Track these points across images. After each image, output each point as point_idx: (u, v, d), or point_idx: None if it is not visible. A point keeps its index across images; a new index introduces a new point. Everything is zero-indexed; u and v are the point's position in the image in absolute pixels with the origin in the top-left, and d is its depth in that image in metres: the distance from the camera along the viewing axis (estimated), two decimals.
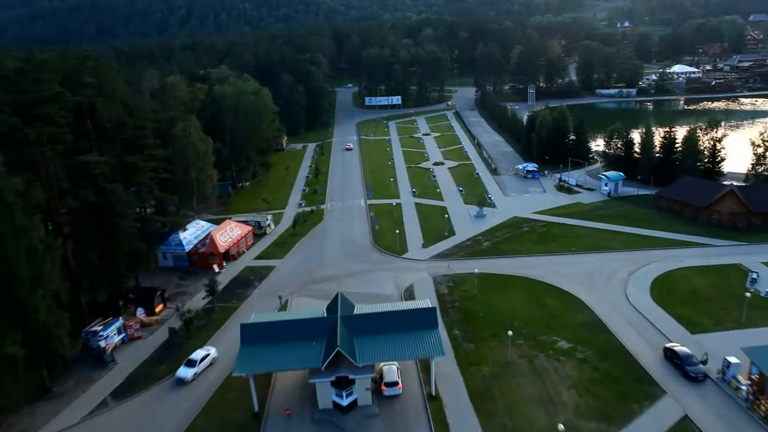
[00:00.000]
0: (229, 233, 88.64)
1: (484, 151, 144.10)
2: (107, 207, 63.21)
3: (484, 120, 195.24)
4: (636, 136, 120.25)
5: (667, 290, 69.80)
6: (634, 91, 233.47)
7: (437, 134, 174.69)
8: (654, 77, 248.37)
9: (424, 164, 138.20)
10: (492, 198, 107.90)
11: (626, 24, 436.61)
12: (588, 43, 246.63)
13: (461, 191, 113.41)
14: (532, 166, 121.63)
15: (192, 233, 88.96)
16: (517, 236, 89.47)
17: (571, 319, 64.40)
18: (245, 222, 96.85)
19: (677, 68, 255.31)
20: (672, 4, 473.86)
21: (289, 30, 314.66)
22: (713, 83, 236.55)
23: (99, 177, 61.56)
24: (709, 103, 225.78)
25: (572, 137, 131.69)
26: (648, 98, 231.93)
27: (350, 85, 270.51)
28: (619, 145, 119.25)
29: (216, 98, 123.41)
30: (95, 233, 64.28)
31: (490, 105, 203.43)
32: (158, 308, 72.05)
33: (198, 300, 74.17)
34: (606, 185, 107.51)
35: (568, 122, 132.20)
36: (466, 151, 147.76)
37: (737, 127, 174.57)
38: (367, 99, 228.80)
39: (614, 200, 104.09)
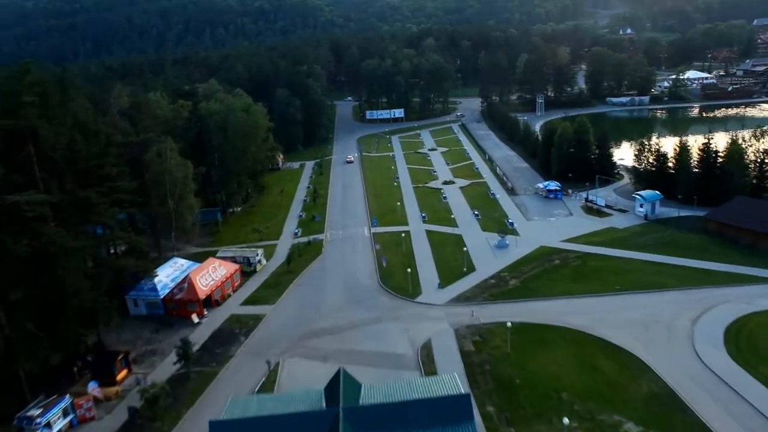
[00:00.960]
0: (211, 274, 74.90)
1: (498, 168, 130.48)
2: (47, 258, 49.60)
3: (493, 133, 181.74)
4: (668, 148, 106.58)
5: (746, 344, 55.84)
6: (646, 98, 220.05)
7: (444, 149, 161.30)
8: (666, 84, 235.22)
9: (432, 183, 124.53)
10: (513, 224, 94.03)
11: (628, 31, 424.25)
12: (598, 49, 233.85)
13: (477, 215, 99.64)
14: (553, 185, 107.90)
15: (169, 275, 75.31)
16: (548, 272, 75.60)
17: (635, 388, 50.42)
18: (232, 258, 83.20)
19: (690, 74, 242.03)
20: (673, 10, 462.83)
21: (287, 43, 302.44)
22: (730, 89, 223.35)
23: (34, 221, 48.00)
24: (727, 109, 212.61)
25: (595, 151, 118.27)
26: (662, 106, 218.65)
27: (350, 98, 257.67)
28: (650, 160, 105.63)
29: (202, 116, 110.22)
30: (34, 291, 50.58)
31: (499, 116, 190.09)
32: (121, 375, 58.24)
33: (170, 363, 60.32)
34: (641, 206, 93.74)
35: (589, 134, 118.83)
36: (477, 168, 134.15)
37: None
38: (368, 113, 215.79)
39: (653, 224, 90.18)
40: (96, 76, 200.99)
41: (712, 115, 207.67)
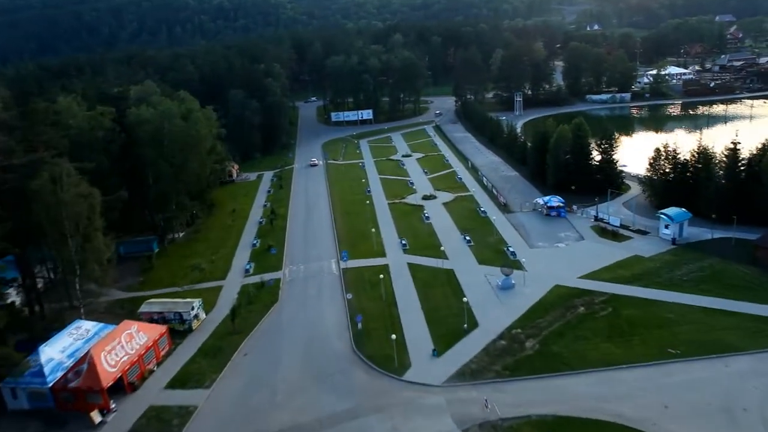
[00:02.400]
0: (124, 346, 54.12)
1: (484, 178, 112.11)
2: None
3: (471, 135, 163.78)
4: (684, 151, 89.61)
5: None
6: (628, 95, 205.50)
7: (420, 155, 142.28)
8: (646, 80, 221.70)
9: (410, 198, 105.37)
10: (514, 252, 75.53)
11: (596, 27, 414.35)
12: (575, 44, 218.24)
13: (469, 242, 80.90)
14: (555, 201, 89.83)
15: (65, 348, 54.29)
16: (572, 326, 57.18)
17: None
18: (160, 315, 62.54)
19: (671, 70, 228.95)
20: (639, 6, 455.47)
21: (246, 41, 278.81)
22: (712, 84, 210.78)
23: None
24: (709, 106, 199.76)
25: (597, 157, 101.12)
26: (643, 103, 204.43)
27: (314, 98, 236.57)
28: (666, 168, 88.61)
29: (130, 125, 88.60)
30: None
31: (477, 117, 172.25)
32: None
33: None
34: (667, 227, 76.56)
35: (588, 138, 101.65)
36: (460, 178, 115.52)
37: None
38: (333, 114, 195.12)
39: (684, 250, 72.90)
40: (25, 78, 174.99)
41: (695, 112, 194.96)
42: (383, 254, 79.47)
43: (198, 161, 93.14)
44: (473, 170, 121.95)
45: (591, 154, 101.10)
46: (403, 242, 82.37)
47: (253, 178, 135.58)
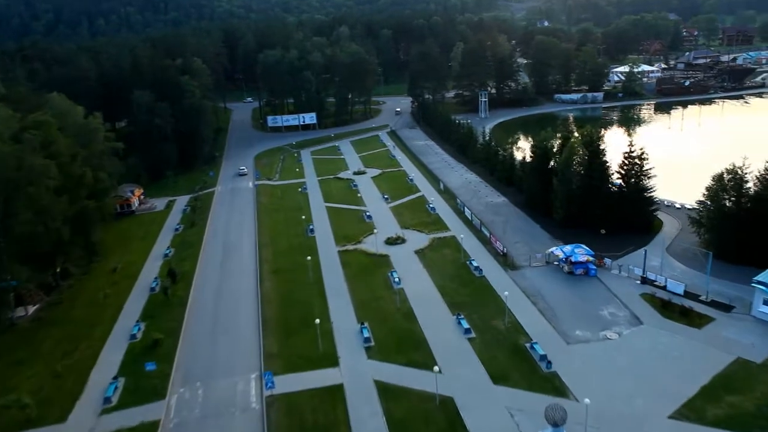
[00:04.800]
0: None
1: (466, 209, 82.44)
2: None
3: (434, 143, 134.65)
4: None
5: None
6: (600, 95, 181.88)
7: (375, 171, 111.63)
8: (615, 78, 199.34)
9: (369, 242, 74.23)
10: (550, 364, 45.45)
11: (545, 23, 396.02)
12: (542, 38, 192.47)
13: (467, 331, 50.85)
14: (583, 253, 60.88)
15: None
16: None
17: None
18: None
19: (643, 68, 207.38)
20: (587, 4, 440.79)
21: (167, 33, 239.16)
22: (687, 83, 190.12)
23: None
24: (684, 107, 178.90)
25: (617, 182, 73.52)
26: (617, 103, 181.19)
27: (250, 99, 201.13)
28: (732, 197, 61.38)
29: None
30: None
31: (439, 121, 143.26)
32: None
33: None
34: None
35: (604, 154, 73.93)
36: (432, 208, 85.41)
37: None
38: (269, 119, 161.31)
39: None
40: None
41: (670, 113, 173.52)
42: (334, 360, 48.33)
43: (38, 205, 58.65)
44: (447, 194, 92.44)
45: (611, 176, 73.41)
46: (366, 336, 51.33)
47: (160, 208, 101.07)
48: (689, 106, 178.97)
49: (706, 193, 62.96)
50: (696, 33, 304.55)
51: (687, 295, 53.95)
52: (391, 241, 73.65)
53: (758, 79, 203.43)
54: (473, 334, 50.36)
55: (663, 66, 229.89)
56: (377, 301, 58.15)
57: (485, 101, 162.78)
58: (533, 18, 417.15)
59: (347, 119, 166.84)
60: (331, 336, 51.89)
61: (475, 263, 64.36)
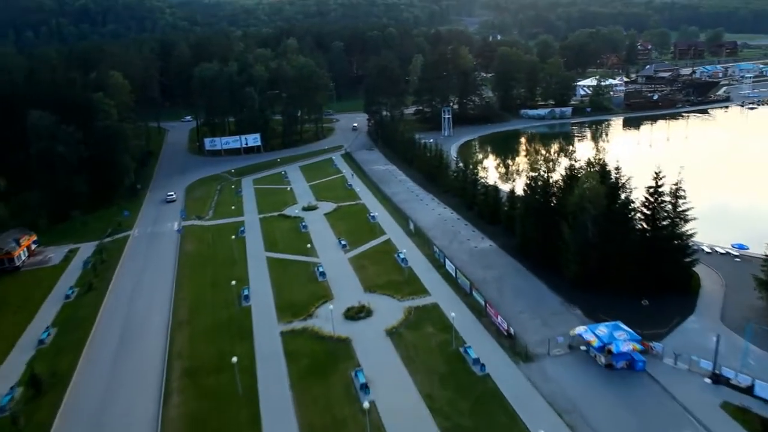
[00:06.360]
0: None
1: (448, 264, 63.39)
2: None
3: (395, 167, 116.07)
4: None
5: None
6: (569, 110, 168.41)
7: (330, 206, 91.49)
8: (582, 92, 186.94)
9: (322, 317, 53.85)
10: None
11: (498, 37, 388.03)
12: (506, 49, 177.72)
13: None
14: (625, 340, 42.36)
15: None
16: None
17: None
18: None
19: (610, 81, 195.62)
20: (537, 18, 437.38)
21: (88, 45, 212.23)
22: (656, 97, 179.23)
23: None
24: (652, 122, 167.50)
25: (639, 224, 56.36)
26: (586, 119, 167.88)
27: (189, 118, 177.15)
28: None
29: None
30: None
31: (401, 142, 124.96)
32: None
33: None
34: None
35: (625, 190, 56.74)
36: (403, 259, 65.78)
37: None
38: (207, 141, 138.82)
39: None
40: None
41: (638, 128, 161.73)
42: None
43: None
44: (418, 237, 73.40)
45: (635, 218, 56.14)
46: None
47: (56, 261, 77.73)
48: (659, 120, 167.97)
49: None
50: (650, 47, 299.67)
51: None
52: (353, 314, 53.81)
53: (721, 92, 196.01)
54: None
55: (625, 79, 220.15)
56: (335, 421, 38.10)
57: (448, 117, 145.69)
58: (486, 32, 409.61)
59: (297, 139, 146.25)
60: None
61: (472, 352, 45.25)
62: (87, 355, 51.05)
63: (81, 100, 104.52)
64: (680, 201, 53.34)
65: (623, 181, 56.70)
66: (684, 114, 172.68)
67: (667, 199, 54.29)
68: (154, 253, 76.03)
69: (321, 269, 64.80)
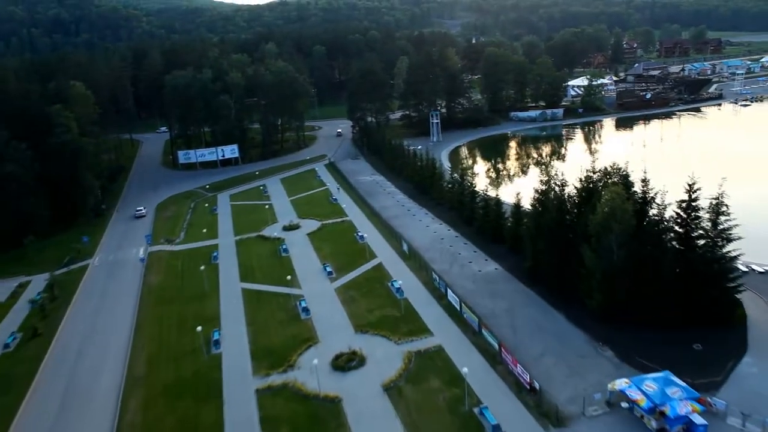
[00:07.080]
0: None
1: (450, 294, 54.66)
2: None
3: (383, 178, 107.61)
4: None
5: None
6: (560, 111, 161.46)
7: (313, 224, 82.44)
8: (573, 93, 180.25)
9: (305, 369, 44.79)
10: None
11: (481, 39, 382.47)
12: (493, 50, 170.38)
13: None
14: (682, 399, 34.15)
15: None
16: None
17: None
18: None
19: (601, 81, 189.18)
20: (519, 20, 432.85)
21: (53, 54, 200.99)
22: (649, 96, 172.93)
23: None
24: (645, 122, 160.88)
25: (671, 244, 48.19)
26: (578, 120, 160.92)
27: (164, 128, 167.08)
28: None
29: None
30: None
31: (388, 150, 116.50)
32: None
33: None
34: None
35: (656, 206, 48.67)
36: (398, 288, 56.90)
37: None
38: (181, 154, 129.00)
39: None
40: None
41: (632, 128, 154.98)
42: None
43: None
44: (413, 260, 64.68)
45: (671, 238, 47.96)
46: None
47: (2, 299, 67.65)
48: (652, 120, 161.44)
49: None
50: (635, 45, 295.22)
51: None
52: (343, 363, 44.85)
53: (712, 89, 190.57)
54: None
55: (614, 78, 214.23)
56: None
57: (437, 122, 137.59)
58: (468, 34, 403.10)
59: (277, 149, 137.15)
60: None
61: (490, 416, 36.50)
62: (17, 427, 41.42)
63: (36, 113, 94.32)
64: (721, 218, 45.27)
65: (651, 195, 48.65)
66: (677, 113, 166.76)
67: (703, 214, 46.40)
68: (113, 288, 66.33)
69: (304, 304, 55.73)
